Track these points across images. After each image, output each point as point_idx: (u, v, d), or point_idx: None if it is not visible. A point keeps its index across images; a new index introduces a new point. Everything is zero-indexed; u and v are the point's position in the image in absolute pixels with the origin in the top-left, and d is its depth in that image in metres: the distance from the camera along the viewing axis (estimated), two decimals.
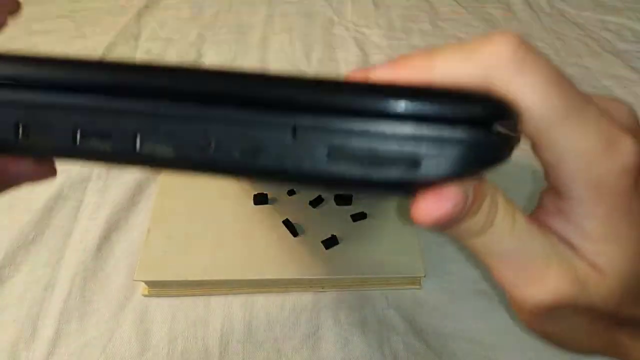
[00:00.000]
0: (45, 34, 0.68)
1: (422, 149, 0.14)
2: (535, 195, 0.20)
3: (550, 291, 0.17)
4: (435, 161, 0.14)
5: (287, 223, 0.41)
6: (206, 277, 0.38)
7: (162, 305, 0.38)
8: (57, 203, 0.45)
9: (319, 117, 0.14)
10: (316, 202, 0.43)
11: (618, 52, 0.64)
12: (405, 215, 0.41)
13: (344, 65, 0.64)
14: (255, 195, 0.43)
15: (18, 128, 0.15)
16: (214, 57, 0.65)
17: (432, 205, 0.15)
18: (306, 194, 0.43)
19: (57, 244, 0.42)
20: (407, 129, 0.14)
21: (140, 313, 0.38)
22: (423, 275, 0.38)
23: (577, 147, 0.16)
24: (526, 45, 0.15)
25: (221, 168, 0.15)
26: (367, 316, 0.38)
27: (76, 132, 0.15)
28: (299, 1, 0.76)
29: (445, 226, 0.16)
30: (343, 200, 0.43)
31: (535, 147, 0.17)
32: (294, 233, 0.40)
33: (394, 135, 0.14)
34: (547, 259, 0.17)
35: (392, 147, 0.14)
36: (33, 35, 0.68)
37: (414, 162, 0.14)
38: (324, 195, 0.43)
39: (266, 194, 0.43)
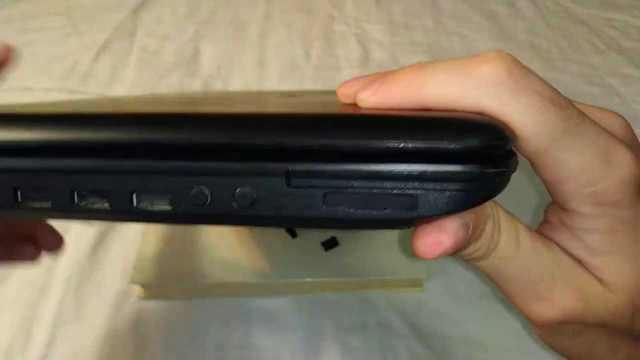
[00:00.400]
0: (40, 31, 0.67)
1: (419, 188, 0.14)
2: (541, 209, 0.19)
3: (557, 308, 0.17)
4: (433, 199, 0.14)
5: None
6: (203, 280, 0.37)
7: (158, 308, 0.38)
8: None
9: (311, 162, 0.14)
10: None
11: (623, 50, 0.64)
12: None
13: (344, 62, 0.63)
14: None
15: (17, 192, 0.15)
16: (211, 54, 0.64)
17: (433, 241, 0.15)
18: None
19: None
20: (403, 167, 0.13)
21: (136, 315, 0.37)
22: (425, 277, 0.37)
23: (575, 165, 0.16)
24: (520, 66, 0.15)
25: (219, 219, 0.15)
26: (368, 319, 0.37)
27: (73, 194, 0.15)
28: None
29: (448, 255, 0.16)
30: None
31: (534, 167, 0.17)
32: (293, 234, 0.39)
33: (390, 175, 0.14)
34: (553, 276, 0.17)
35: (388, 188, 0.14)
36: (28, 32, 0.67)
37: (411, 201, 0.14)
38: None
39: None
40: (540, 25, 0.69)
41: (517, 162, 0.15)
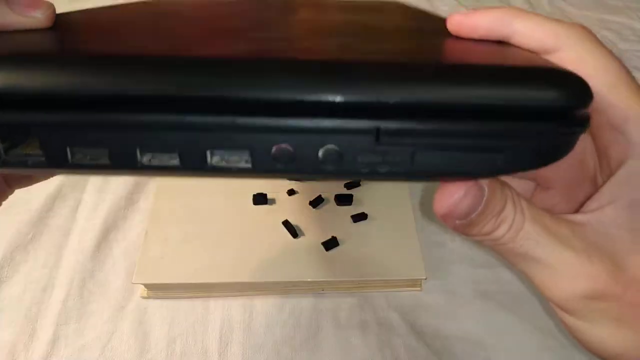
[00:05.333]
0: None
1: (506, 145, 0.13)
2: None
3: (596, 280, 0.17)
4: (518, 155, 0.14)
5: (286, 224, 0.40)
6: (205, 280, 0.37)
7: (161, 307, 0.38)
8: (55, 202, 0.45)
9: (402, 120, 0.13)
10: (316, 202, 0.42)
11: (619, 52, 0.64)
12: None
13: None
14: (254, 196, 0.42)
15: (66, 148, 0.14)
16: None
17: (447, 193, 0.16)
18: (306, 194, 0.43)
19: (55, 244, 0.42)
20: (493, 124, 0.13)
21: (139, 315, 0.37)
22: (424, 277, 0.38)
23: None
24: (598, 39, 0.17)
25: (302, 174, 0.14)
26: (368, 318, 0.37)
27: (136, 150, 0.14)
28: None
29: (464, 216, 0.17)
30: (344, 200, 0.42)
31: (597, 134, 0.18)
32: (294, 234, 0.40)
33: (481, 132, 0.13)
34: (588, 256, 0.17)
35: (476, 144, 0.14)
36: None
37: (497, 157, 0.14)
38: (324, 195, 0.43)
39: (265, 194, 0.42)
40: None
41: (589, 121, 0.15)
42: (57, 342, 0.36)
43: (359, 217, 0.41)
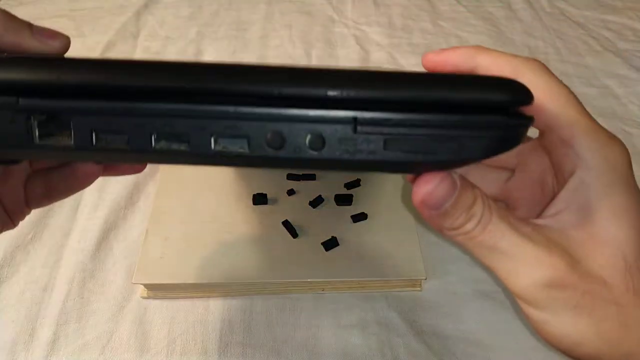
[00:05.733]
0: None
1: (462, 135, 0.16)
2: None
3: (556, 267, 0.19)
4: (473, 144, 0.16)
5: (286, 224, 0.40)
6: (205, 280, 0.37)
7: (161, 307, 0.38)
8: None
9: (377, 112, 0.16)
10: (316, 203, 0.42)
11: (619, 52, 0.64)
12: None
13: (344, 62, 0.64)
14: (254, 196, 0.42)
15: (92, 134, 0.16)
16: (212, 55, 0.65)
17: (423, 181, 0.18)
18: (306, 194, 0.43)
19: (55, 244, 0.42)
20: (453, 117, 0.16)
21: (139, 314, 0.38)
22: (424, 277, 0.38)
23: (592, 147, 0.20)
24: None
25: (290, 162, 0.17)
26: (368, 318, 0.37)
27: (151, 136, 0.16)
28: None
29: (438, 204, 0.19)
30: (343, 200, 0.42)
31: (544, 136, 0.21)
32: (294, 234, 0.40)
33: (442, 123, 0.16)
34: (547, 246, 0.20)
35: (440, 134, 0.16)
36: None
37: (456, 146, 0.16)
38: (323, 195, 0.43)
39: (265, 194, 0.42)
40: (536, 27, 0.70)
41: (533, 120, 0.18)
42: (57, 341, 0.36)
43: (359, 217, 0.41)
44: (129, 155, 0.17)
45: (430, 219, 0.20)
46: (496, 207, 0.20)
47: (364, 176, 0.45)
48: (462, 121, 0.16)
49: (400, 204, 0.43)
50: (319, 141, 0.16)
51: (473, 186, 0.20)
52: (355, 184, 0.44)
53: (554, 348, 0.21)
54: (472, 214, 0.19)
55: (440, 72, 0.21)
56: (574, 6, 0.73)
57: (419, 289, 0.39)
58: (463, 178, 0.19)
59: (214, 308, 0.38)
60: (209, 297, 0.38)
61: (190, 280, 0.37)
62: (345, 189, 0.44)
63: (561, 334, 0.20)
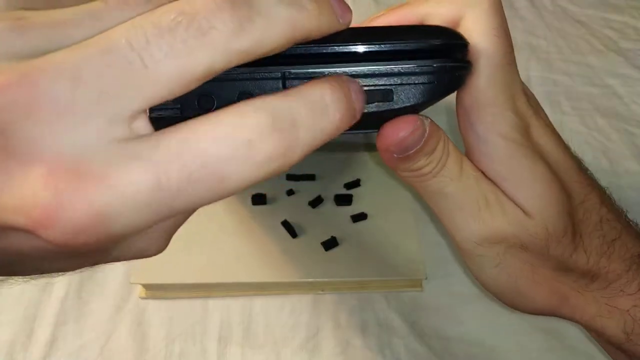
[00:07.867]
0: None
1: (398, 83, 0.17)
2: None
3: (487, 226, 0.20)
4: (406, 91, 0.17)
5: (285, 224, 0.40)
6: (203, 280, 0.37)
7: (160, 308, 0.38)
8: None
9: (308, 67, 0.16)
10: (315, 203, 0.42)
11: (621, 51, 0.64)
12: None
13: None
14: (253, 196, 0.42)
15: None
16: None
17: (395, 128, 0.18)
18: (305, 194, 0.43)
19: None
20: (382, 66, 0.16)
21: (138, 315, 0.37)
22: (424, 277, 0.38)
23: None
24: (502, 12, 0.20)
25: None
26: (368, 319, 0.37)
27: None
28: None
29: (405, 150, 0.19)
30: (343, 200, 0.42)
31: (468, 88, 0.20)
32: (293, 234, 0.40)
33: (377, 73, 0.17)
34: (487, 199, 0.20)
35: (376, 84, 0.17)
36: None
37: (391, 94, 0.17)
38: (323, 195, 0.43)
39: (264, 194, 0.42)
40: (539, 26, 0.69)
41: (471, 66, 0.19)
42: (56, 342, 0.36)
43: (359, 217, 0.41)
44: None
45: (389, 161, 0.20)
46: (454, 150, 0.20)
47: (364, 176, 0.45)
48: (400, 68, 0.17)
49: (400, 204, 0.42)
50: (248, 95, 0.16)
51: (438, 129, 0.20)
52: (355, 184, 0.44)
53: (490, 292, 0.23)
54: (431, 159, 0.19)
55: (385, 25, 0.22)
56: (577, 5, 0.73)
57: (419, 289, 0.39)
58: (432, 123, 0.19)
59: (213, 308, 0.38)
60: (207, 297, 0.38)
61: (189, 280, 0.37)
62: (345, 189, 0.44)
63: (491, 290, 0.22)
